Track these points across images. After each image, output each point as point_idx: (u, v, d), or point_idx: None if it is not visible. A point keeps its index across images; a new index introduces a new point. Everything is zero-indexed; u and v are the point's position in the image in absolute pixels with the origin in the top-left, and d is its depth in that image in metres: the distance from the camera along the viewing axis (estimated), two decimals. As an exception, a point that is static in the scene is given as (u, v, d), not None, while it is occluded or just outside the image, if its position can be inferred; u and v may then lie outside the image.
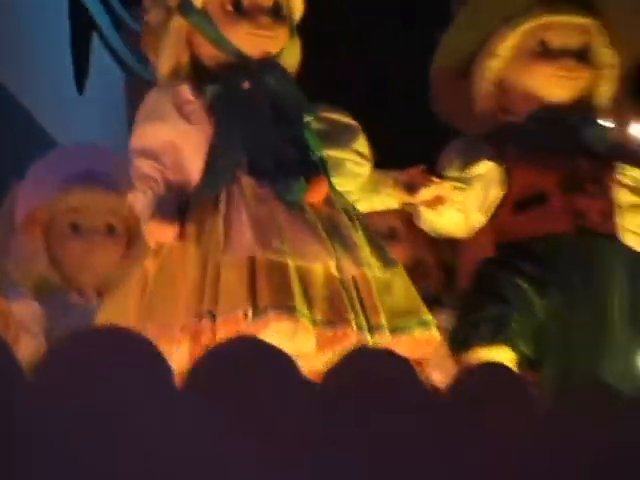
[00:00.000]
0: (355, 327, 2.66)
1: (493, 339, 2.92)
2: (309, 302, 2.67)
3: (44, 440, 1.81)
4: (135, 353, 2.05)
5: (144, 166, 2.85)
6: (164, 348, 2.55)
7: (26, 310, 3.20)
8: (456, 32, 3.39)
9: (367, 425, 2.03)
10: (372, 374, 2.16)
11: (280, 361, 2.08)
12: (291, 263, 2.72)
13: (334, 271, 2.75)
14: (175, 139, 2.85)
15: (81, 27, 4.60)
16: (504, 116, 3.25)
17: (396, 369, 2.23)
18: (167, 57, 3.01)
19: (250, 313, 2.62)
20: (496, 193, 3.04)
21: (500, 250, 3.09)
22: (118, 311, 2.85)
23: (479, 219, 3.04)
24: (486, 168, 3.05)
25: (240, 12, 2.89)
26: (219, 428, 1.97)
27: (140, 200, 2.85)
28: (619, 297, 3.09)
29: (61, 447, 1.87)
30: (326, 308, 2.67)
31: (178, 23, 2.91)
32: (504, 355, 2.93)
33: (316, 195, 2.85)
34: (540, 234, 3.04)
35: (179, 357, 2.64)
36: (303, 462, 1.97)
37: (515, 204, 3.06)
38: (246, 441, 1.92)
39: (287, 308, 2.64)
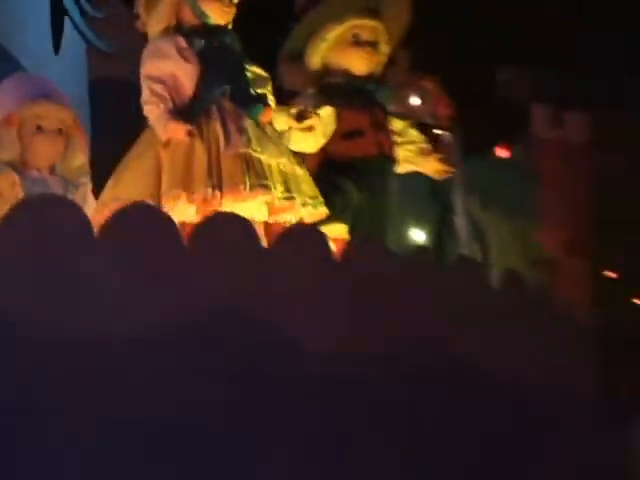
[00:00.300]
0: (298, 202, 3.93)
1: (338, 216, 4.25)
2: (273, 184, 3.88)
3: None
4: (153, 219, 3.03)
5: (157, 88, 4.07)
6: (184, 206, 3.83)
7: (7, 180, 4.18)
8: (300, 27, 4.77)
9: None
10: (304, 233, 3.47)
11: (246, 226, 3.20)
12: (263, 158, 3.92)
13: (282, 166, 4.00)
14: (176, 72, 4.09)
15: (58, 13, 5.39)
16: (327, 80, 4.62)
17: (314, 231, 3.49)
18: (160, 20, 4.27)
19: (247, 187, 3.84)
20: (331, 127, 4.47)
21: (331, 164, 4.46)
22: (137, 180, 4.01)
23: (322, 142, 4.41)
24: (327, 112, 4.44)
25: None
26: (221, 275, 3.01)
27: (155, 110, 4.03)
28: (395, 194, 4.69)
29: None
30: (283, 189, 3.89)
31: (166, 6, 4.22)
32: (340, 227, 4.33)
33: (267, 117, 4.07)
34: (359, 155, 4.56)
35: (192, 215, 3.84)
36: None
37: (343, 135, 4.53)
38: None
39: (266, 186, 3.86)
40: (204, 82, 4.14)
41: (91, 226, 2.87)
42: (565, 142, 7.17)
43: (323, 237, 3.50)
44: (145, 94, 4.15)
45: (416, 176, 5.18)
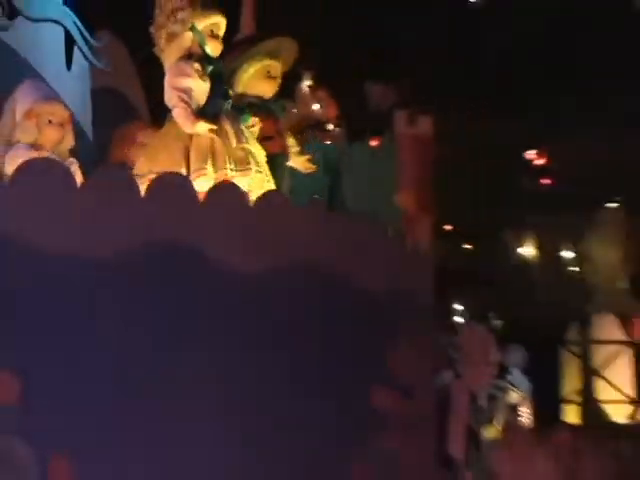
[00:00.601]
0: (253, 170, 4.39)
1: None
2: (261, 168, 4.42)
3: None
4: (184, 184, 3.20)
5: (183, 96, 4.42)
6: (204, 180, 4.06)
7: (30, 156, 4.16)
8: (230, 63, 5.08)
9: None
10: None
11: (243, 194, 3.37)
12: (253, 150, 4.38)
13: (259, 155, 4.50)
14: (194, 87, 4.45)
15: (69, 41, 5.61)
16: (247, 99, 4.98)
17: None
18: (180, 49, 4.53)
19: (253, 171, 4.28)
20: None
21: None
22: (171, 160, 4.23)
23: None
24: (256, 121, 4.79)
25: (213, 37, 4.57)
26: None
27: (182, 112, 4.38)
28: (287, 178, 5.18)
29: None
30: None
31: (188, 35, 4.52)
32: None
33: (253, 123, 4.56)
34: (269, 153, 4.86)
35: (206, 187, 4.01)
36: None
37: (261, 139, 4.90)
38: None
39: (261, 171, 4.39)
40: (212, 95, 4.51)
41: (73, 178, 2.99)
42: (417, 136, 7.21)
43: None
44: (173, 100, 4.43)
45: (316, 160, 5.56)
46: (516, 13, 9.35)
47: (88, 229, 2.74)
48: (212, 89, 4.49)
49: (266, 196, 3.69)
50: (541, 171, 12.29)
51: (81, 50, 5.63)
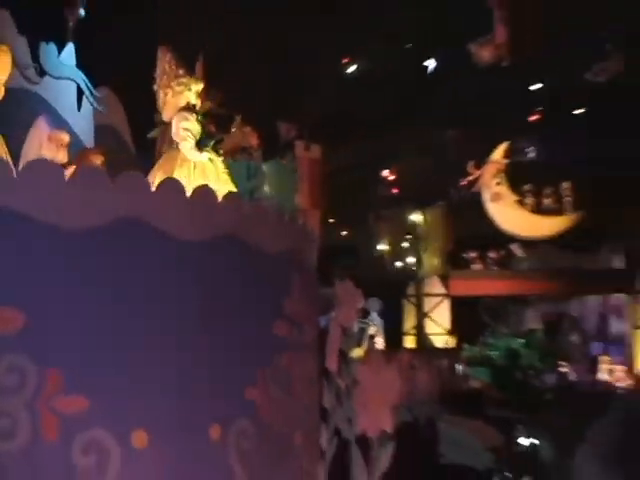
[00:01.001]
0: None
1: None
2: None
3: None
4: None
5: (186, 134, 4.43)
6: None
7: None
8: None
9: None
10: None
11: (178, 185, 2.63)
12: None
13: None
14: (192, 128, 4.51)
15: (79, 92, 5.44)
16: None
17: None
18: (175, 105, 4.57)
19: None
20: None
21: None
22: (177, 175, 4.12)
23: None
24: None
25: (198, 96, 4.64)
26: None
27: (187, 145, 4.44)
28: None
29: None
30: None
31: (187, 94, 4.58)
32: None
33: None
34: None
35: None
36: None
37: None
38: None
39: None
40: (203, 135, 4.60)
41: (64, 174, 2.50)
42: (310, 158, 7.32)
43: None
44: (180, 136, 4.47)
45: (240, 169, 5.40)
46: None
47: (61, 206, 2.41)
48: (203, 130, 4.58)
49: (203, 188, 3.07)
50: (391, 183, 12.65)
51: (88, 98, 5.58)
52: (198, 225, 2.31)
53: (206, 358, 2.26)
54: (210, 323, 2.29)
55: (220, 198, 2.62)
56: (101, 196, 2.28)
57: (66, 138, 4.53)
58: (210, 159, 4.53)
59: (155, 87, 4.73)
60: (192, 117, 4.50)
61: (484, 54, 8.47)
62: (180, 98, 4.59)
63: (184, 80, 4.55)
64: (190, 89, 4.55)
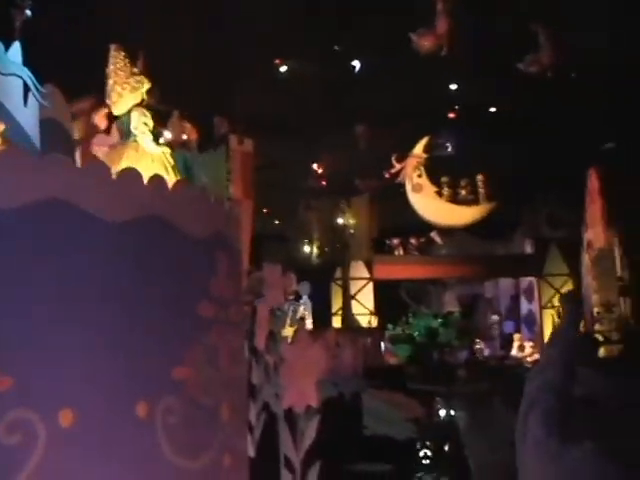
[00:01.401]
0: None
1: None
2: None
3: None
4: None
5: (146, 127, 4.57)
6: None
7: None
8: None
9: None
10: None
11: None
12: None
13: None
14: (148, 122, 4.70)
15: (26, 88, 4.91)
16: None
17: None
18: (135, 98, 4.81)
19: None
20: None
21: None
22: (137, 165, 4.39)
23: None
24: None
25: (149, 93, 5.02)
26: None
27: (147, 139, 4.73)
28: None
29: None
30: None
31: (140, 93, 4.73)
32: None
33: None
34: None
35: None
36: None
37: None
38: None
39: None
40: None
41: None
42: (243, 151, 7.44)
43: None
44: (140, 129, 4.68)
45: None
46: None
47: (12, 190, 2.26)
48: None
49: (129, 170, 2.63)
50: (320, 176, 13.02)
51: (34, 94, 5.31)
52: (124, 206, 2.21)
53: (131, 339, 2.19)
54: (134, 304, 2.21)
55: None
56: (27, 177, 2.15)
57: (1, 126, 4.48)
58: (163, 152, 4.88)
59: (110, 82, 4.91)
60: (149, 113, 4.84)
61: (424, 44, 8.53)
62: (136, 94, 4.86)
63: (139, 77, 4.85)
64: (144, 86, 4.86)
